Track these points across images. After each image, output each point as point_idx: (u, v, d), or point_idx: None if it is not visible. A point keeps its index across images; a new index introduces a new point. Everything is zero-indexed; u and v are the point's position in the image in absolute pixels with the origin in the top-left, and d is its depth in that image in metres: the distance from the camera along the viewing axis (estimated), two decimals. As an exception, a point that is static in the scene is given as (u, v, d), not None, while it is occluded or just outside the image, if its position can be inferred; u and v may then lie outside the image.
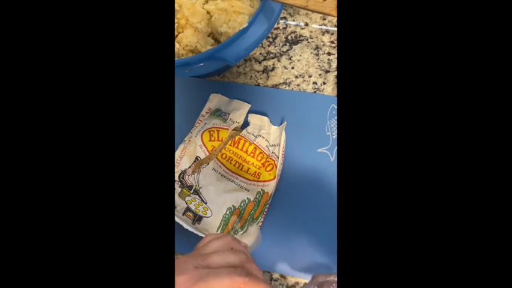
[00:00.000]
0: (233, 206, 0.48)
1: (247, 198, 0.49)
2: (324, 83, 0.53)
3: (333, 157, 0.50)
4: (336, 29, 0.54)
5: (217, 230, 0.48)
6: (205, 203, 0.49)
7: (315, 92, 0.53)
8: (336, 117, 0.51)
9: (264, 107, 0.53)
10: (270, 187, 0.49)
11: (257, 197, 0.49)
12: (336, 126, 0.51)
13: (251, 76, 0.55)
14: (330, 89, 0.53)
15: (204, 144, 0.51)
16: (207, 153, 0.50)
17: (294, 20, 0.56)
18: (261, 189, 0.49)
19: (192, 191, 0.49)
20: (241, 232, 0.47)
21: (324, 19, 0.55)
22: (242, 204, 0.48)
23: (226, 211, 0.48)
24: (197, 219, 0.48)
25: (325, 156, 0.50)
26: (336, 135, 0.50)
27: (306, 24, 0.55)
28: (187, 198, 0.49)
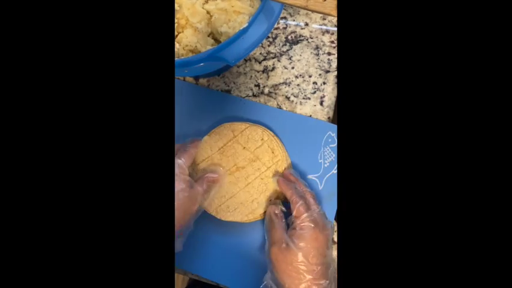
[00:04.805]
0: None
1: None
2: (324, 83, 0.53)
3: (321, 185, 0.49)
4: (336, 29, 0.54)
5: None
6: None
7: (314, 92, 0.53)
8: (330, 146, 0.50)
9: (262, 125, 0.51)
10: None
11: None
12: (329, 155, 0.50)
13: (251, 76, 0.55)
14: (330, 89, 0.53)
15: None
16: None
17: (294, 20, 0.56)
18: None
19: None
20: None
21: (324, 19, 0.55)
22: None
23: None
24: (197, 219, 0.48)
25: (314, 183, 0.49)
26: (328, 164, 0.49)
27: (306, 24, 0.55)
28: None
